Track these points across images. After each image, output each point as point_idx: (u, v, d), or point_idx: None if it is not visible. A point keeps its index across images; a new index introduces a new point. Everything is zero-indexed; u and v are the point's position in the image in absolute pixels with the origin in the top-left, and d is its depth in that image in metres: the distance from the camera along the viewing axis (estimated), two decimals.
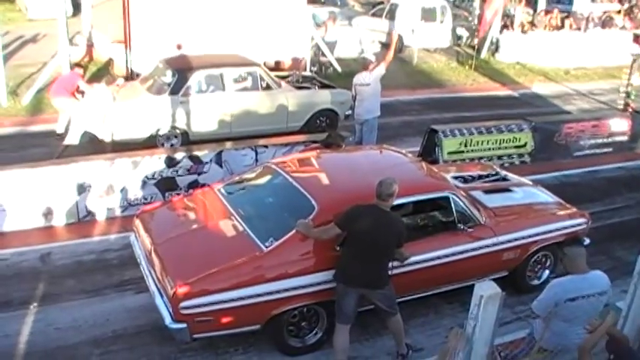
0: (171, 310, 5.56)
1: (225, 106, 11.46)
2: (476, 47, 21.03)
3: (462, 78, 19.05)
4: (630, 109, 15.19)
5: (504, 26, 22.22)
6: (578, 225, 7.54)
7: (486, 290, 4.48)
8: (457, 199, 6.72)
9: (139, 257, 6.57)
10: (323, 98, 12.58)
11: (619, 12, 25.78)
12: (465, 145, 11.17)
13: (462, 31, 23.10)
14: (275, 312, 5.83)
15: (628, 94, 15.60)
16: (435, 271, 6.51)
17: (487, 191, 7.78)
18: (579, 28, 23.09)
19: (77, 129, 9.90)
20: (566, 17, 23.66)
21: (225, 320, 5.72)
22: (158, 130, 11.10)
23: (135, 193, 8.89)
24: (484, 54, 21.29)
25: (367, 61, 10.99)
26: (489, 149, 11.54)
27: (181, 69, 11.45)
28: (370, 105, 10.56)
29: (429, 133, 11.19)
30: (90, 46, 16.72)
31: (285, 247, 5.88)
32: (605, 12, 25.55)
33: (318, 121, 12.41)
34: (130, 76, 14.04)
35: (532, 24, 22.62)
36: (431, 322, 6.91)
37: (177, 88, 11.16)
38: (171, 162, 9.04)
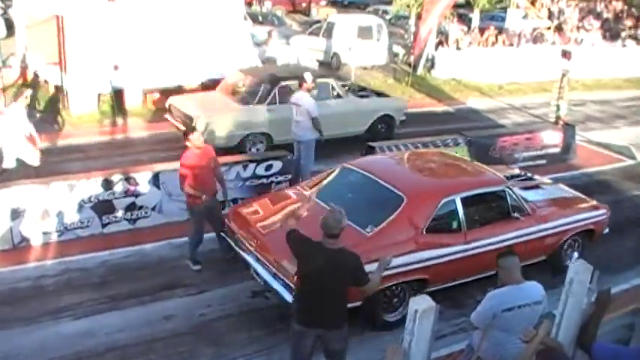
0: (293, 288, 6.28)
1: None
2: (412, 64, 21.70)
3: (399, 95, 19.61)
4: (562, 122, 15.99)
5: (439, 43, 23.01)
6: (601, 215, 9.22)
7: (421, 304, 4.59)
8: (511, 193, 8.27)
9: (238, 250, 7.61)
10: (383, 105, 14.75)
11: (549, 28, 26.94)
12: None
13: (398, 49, 23.84)
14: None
15: (558, 108, 16.41)
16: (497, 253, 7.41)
17: (523, 188, 9.12)
18: (512, 44, 24.09)
19: (9, 152, 9.81)
20: (499, 34, 24.67)
21: None
22: (247, 135, 12.66)
23: (71, 217, 8.93)
24: (420, 71, 22.02)
25: (303, 80, 11.11)
26: None
27: (267, 81, 13.10)
28: (306, 124, 10.74)
29: (367, 150, 11.51)
30: (24, 67, 16.56)
31: (384, 232, 7.20)
32: (535, 28, 26.66)
33: (379, 126, 14.43)
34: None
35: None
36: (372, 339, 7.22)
37: (264, 97, 12.84)
38: (107, 185, 9.10)
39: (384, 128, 14.51)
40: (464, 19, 28.68)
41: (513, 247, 7.37)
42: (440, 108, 18.89)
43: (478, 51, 23.07)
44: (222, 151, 11.02)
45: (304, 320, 5.49)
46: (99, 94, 15.37)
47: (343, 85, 14.89)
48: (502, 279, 5.19)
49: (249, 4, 29.67)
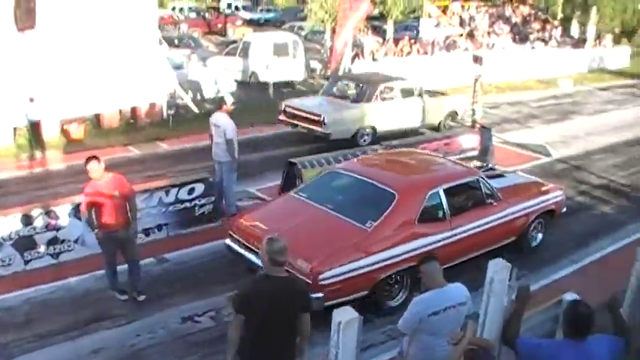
0: (311, 282, 7.29)
1: (397, 109, 16.56)
2: (329, 78, 22.16)
3: None
4: (478, 125, 16.74)
5: (355, 56, 23.66)
6: (560, 195, 10.68)
7: (344, 316, 4.75)
8: (484, 182, 9.51)
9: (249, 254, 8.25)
10: (450, 102, 18.32)
11: (461, 35, 28.10)
12: None
13: (315, 64, 24.33)
14: (380, 277, 7.91)
15: (474, 112, 17.18)
16: (478, 237, 9.05)
17: (490, 177, 10.13)
18: (426, 53, 25.00)
19: None
20: (414, 43, 25.57)
21: (348, 288, 7.64)
22: (359, 128, 15.70)
23: None
24: None
25: (222, 102, 11.29)
26: None
27: (370, 83, 16.64)
28: (225, 145, 10.85)
29: (288, 167, 11.82)
30: None
31: (383, 225, 8.13)
32: (448, 36, 27.75)
33: (447, 119, 17.96)
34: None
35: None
36: None
37: (369, 97, 16.20)
38: (27, 220, 9.09)
39: (451, 121, 18.15)
40: (379, 31, 29.58)
41: (489, 231, 9.19)
42: None
43: (394, 61, 23.82)
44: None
45: None
46: (14, 128, 15.19)
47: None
48: (426, 284, 5.29)
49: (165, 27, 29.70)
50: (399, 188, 8.59)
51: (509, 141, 17.43)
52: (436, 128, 17.68)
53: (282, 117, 16.65)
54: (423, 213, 8.50)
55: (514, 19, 34.37)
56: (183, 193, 10.56)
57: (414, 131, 17.16)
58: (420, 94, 17.18)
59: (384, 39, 26.66)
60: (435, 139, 15.06)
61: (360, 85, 16.94)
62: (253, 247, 8.12)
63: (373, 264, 7.84)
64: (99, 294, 8.61)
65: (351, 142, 15.39)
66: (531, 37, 32.28)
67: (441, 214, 8.75)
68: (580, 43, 34.51)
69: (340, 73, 22.61)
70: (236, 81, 21.55)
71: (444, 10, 30.80)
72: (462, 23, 30.65)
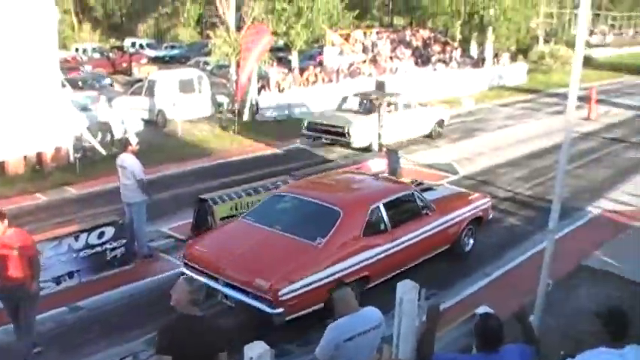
0: (271, 299, 7.99)
1: (400, 120, 19.68)
2: (236, 112, 22.51)
3: (228, 143, 20.33)
4: (385, 148, 17.35)
5: (262, 87, 24.07)
6: (486, 203, 11.91)
7: (255, 350, 4.84)
8: (418, 195, 10.60)
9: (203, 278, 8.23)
10: (437, 112, 21.95)
11: (364, 61, 28.94)
12: (236, 209, 12.04)
13: (221, 98, 24.57)
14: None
15: (380, 136, 17.79)
16: (417, 246, 10.01)
17: (422, 190, 11.32)
18: (331, 81, 25.68)
19: None
20: (320, 72, 26.22)
21: (305, 302, 8.26)
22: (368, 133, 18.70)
23: None
24: (246, 117, 22.93)
25: (127, 142, 11.30)
26: None
27: (377, 98, 19.29)
28: (134, 186, 10.89)
29: (199, 203, 11.95)
30: None
31: (332, 241, 8.86)
32: (352, 63, 28.54)
33: (435, 127, 21.43)
34: None
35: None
36: None
37: (374, 109, 19.04)
38: None
39: (440, 128, 21.67)
40: (284, 62, 30.13)
41: (427, 239, 10.19)
42: (269, 151, 19.75)
43: (300, 91, 24.38)
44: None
45: None
46: None
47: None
48: (339, 310, 5.32)
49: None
50: (342, 205, 9.44)
51: (416, 162, 18.14)
52: (429, 135, 21.29)
53: (304, 131, 20.10)
54: (367, 227, 9.33)
55: (415, 43, 35.67)
56: (93, 238, 10.47)
57: (325, 160, 17.70)
58: (417, 106, 20.87)
59: (290, 69, 27.19)
60: (345, 165, 15.50)
61: (370, 100, 19.98)
62: (211, 273, 8.69)
63: (326, 277, 8.47)
64: (9, 348, 8.41)
65: (365, 149, 18.90)
66: (433, 59, 33.60)
67: (382, 226, 9.63)
68: (479, 62, 36.23)
69: (247, 106, 23.03)
70: (143, 120, 21.51)
71: (347, 38, 31.64)
72: (364, 50, 31.54)
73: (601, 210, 14.27)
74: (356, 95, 20.91)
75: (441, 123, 21.77)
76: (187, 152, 19.18)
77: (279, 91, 24.06)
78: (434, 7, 35.95)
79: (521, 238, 12.38)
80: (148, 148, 18.68)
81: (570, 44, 40.04)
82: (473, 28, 38.09)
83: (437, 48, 35.95)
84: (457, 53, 35.76)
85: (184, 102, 22.08)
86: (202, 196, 12.04)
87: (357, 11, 34.05)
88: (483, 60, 36.70)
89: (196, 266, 9.03)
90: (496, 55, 37.83)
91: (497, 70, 36.14)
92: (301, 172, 14.22)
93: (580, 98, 24.87)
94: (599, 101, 28.21)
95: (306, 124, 20.10)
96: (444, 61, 33.91)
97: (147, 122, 22.02)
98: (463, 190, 13.02)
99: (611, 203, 14.78)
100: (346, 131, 18.87)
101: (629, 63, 52.70)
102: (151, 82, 23.76)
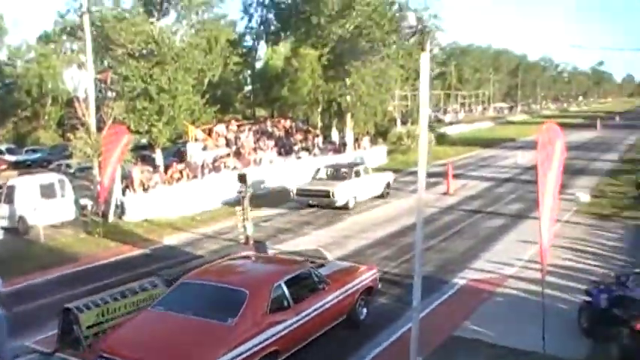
0: None
1: (365, 183, 24.89)
2: (101, 214, 22.42)
3: (94, 247, 20.17)
4: (252, 241, 17.91)
5: (126, 187, 24.14)
6: (375, 274, 13.22)
7: None
8: (314, 271, 11.73)
9: None
10: (386, 176, 28.27)
11: (228, 155, 29.71)
12: (103, 315, 11.86)
13: (85, 201, 24.36)
14: None
15: (245, 228, 18.36)
16: (319, 318, 10.99)
17: (315, 267, 12.29)
18: (196, 176, 26.18)
19: None
20: (184, 168, 26.64)
21: None
22: (354, 197, 24.60)
23: None
24: (111, 218, 22.87)
25: None
26: (129, 312, 12.49)
27: (349, 167, 26.50)
28: None
29: (63, 313, 11.79)
30: None
31: (242, 320, 9.60)
32: (216, 157, 29.20)
33: (385, 189, 27.41)
34: None
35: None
36: None
37: (350, 176, 25.25)
38: None
39: (388, 189, 27.72)
40: (148, 160, 30.32)
41: (326, 311, 11.17)
42: (137, 252, 19.74)
43: (165, 189, 24.67)
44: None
45: None
46: None
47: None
48: None
49: None
50: (248, 286, 10.31)
51: (285, 250, 18.65)
52: (381, 196, 26.95)
53: (294, 198, 25.48)
54: (272, 304, 10.19)
55: (277, 133, 37.03)
56: None
57: (194, 256, 18.02)
58: (373, 172, 27.51)
59: (154, 167, 27.45)
60: (212, 260, 15.76)
61: (345, 170, 26.16)
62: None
63: (239, 355, 9.20)
64: None
65: (344, 206, 24.70)
66: (296, 147, 34.98)
67: (286, 303, 10.54)
68: (341, 147, 38.03)
69: (112, 207, 22.99)
70: (3, 228, 20.98)
71: (210, 132, 32.45)
72: (228, 143, 32.38)
73: (466, 280, 15.47)
74: (327, 167, 27.33)
75: (388, 185, 27.91)
76: (51, 259, 18.77)
77: (144, 190, 24.21)
78: (293, 97, 37.66)
79: (393, 316, 13.02)
80: (9, 257, 18.35)
81: None
82: (332, 115, 40.20)
83: (299, 136, 37.50)
84: (319, 140, 37.49)
85: (46, 207, 21.72)
86: (67, 305, 11.83)
87: (218, 106, 35.09)
88: (345, 145, 38.58)
89: (112, 357, 9.31)
90: (357, 139, 39.96)
91: (359, 153, 38.06)
92: (168, 271, 14.34)
93: (438, 174, 27.22)
94: (456, 176, 30.50)
95: (295, 192, 25.48)
96: (307, 149, 35.39)
97: (7, 230, 21.49)
98: (352, 264, 14.22)
99: (476, 273, 16.05)
100: (331, 193, 24.43)
101: (480, 137, 56.70)
102: (9, 188, 23.23)
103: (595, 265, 15.96)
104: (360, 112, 39.64)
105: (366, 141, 40.69)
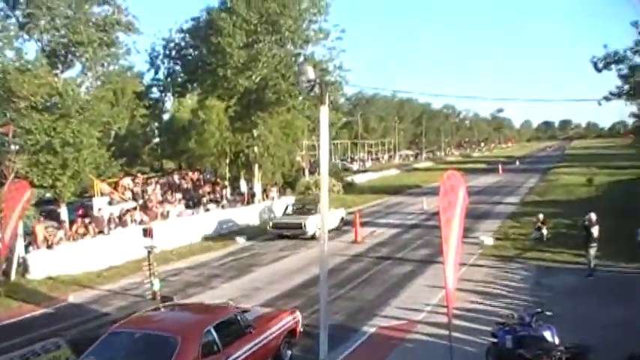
0: None
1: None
2: (1, 272, 21.75)
3: None
4: (159, 296, 17.93)
5: (29, 244, 23.60)
6: (297, 317, 14.05)
7: None
8: (240, 316, 12.30)
9: None
10: (339, 212, 32.89)
11: (135, 208, 29.51)
12: None
13: None
14: None
15: (152, 283, 18.37)
16: None
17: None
18: (102, 231, 25.88)
19: None
20: (90, 223, 26.26)
21: None
22: (317, 228, 26.40)
23: None
24: (13, 277, 22.24)
25: None
26: None
27: (312, 204, 31.07)
28: None
29: None
30: None
31: None
32: (123, 211, 28.94)
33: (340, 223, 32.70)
34: None
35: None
36: None
37: (316, 211, 27.92)
38: None
39: (342, 223, 32.90)
40: (53, 215, 29.67)
41: (253, 354, 11.76)
42: (40, 311, 19.25)
43: (70, 244, 24.28)
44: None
45: None
46: None
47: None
48: None
49: None
50: (179, 332, 10.72)
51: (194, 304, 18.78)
52: (336, 229, 31.68)
53: (270, 230, 30.97)
54: (202, 349, 10.62)
55: (185, 185, 37.06)
56: None
57: (102, 314, 17.85)
58: (332, 209, 29.52)
59: (60, 222, 26.94)
60: (121, 318, 15.73)
61: (310, 206, 32.15)
62: None
63: None
64: None
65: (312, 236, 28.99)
66: (204, 199, 35.10)
67: (215, 347, 11.00)
68: (250, 198, 38.35)
69: (14, 265, 22.39)
70: None
71: (116, 186, 32.18)
72: (135, 196, 32.18)
73: (376, 328, 15.97)
74: (294, 204, 34.52)
75: (342, 219, 33.31)
76: None
77: (48, 246, 23.74)
78: (201, 149, 37.77)
79: None
80: None
81: (332, 173, 43.88)
82: (240, 166, 40.50)
83: (207, 188, 37.66)
84: (227, 191, 37.72)
85: None
86: None
87: (124, 159, 34.85)
88: (253, 195, 38.95)
89: None
90: (265, 190, 40.39)
91: (267, 204, 38.52)
92: (72, 331, 14.25)
93: (347, 223, 27.88)
94: (364, 223, 31.36)
95: (272, 225, 31.14)
96: (216, 201, 35.57)
97: None
98: (275, 309, 15.13)
99: (385, 320, 16.62)
100: (303, 225, 29.80)
101: (387, 185, 58.21)
102: None
103: (500, 307, 16.77)
104: (268, 163, 40.18)
105: (274, 191, 41.23)
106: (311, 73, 12.74)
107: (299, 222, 30.01)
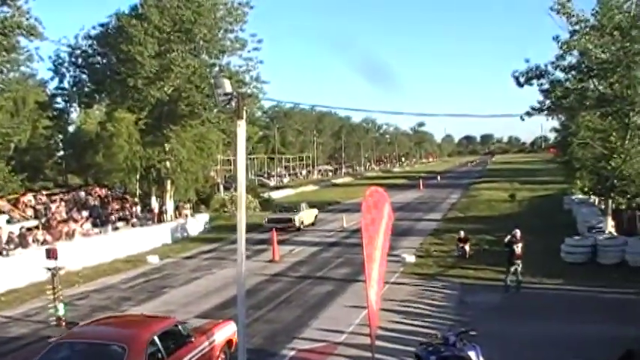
0: None
1: (307, 214, 42.14)
2: None
3: None
4: (64, 322, 17.51)
5: None
6: (233, 327, 14.39)
7: None
8: (183, 325, 13.02)
9: None
10: (315, 211, 45.09)
11: (37, 227, 28.69)
12: None
13: None
14: None
15: (56, 309, 17.89)
16: None
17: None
18: (1, 253, 25.02)
19: None
20: None
21: None
22: (301, 222, 41.03)
23: None
24: None
25: None
26: None
27: (296, 205, 43.99)
28: None
29: None
30: None
31: None
32: (24, 231, 28.04)
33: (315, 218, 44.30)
34: None
35: None
36: None
37: (299, 210, 42.04)
38: None
39: (315, 219, 43.83)
40: None
41: None
42: None
43: None
44: None
45: None
46: None
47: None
48: None
49: None
50: (126, 342, 11.07)
51: None
52: (312, 223, 42.52)
53: (266, 224, 39.11)
54: (149, 358, 11.07)
55: (92, 202, 36.24)
56: None
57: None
58: (308, 208, 43.24)
59: None
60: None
61: (294, 206, 42.80)
62: None
63: None
64: None
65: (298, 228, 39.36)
66: (112, 217, 34.43)
67: (160, 356, 11.45)
68: (162, 216, 37.91)
69: None
70: None
71: (15, 203, 31.22)
72: (37, 214, 31.29)
73: (295, 351, 15.96)
74: (277, 206, 46.48)
75: (316, 216, 44.35)
76: None
77: None
78: (109, 164, 37.09)
79: None
80: None
81: (249, 189, 43.88)
82: (151, 182, 39.97)
83: (116, 205, 36.96)
84: (138, 209, 37.17)
85: None
86: None
87: (26, 173, 33.87)
88: (165, 213, 38.52)
89: None
90: (177, 207, 40.00)
91: (180, 222, 38.19)
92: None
93: (263, 241, 27.94)
94: (282, 241, 31.68)
95: (267, 220, 40.02)
96: (125, 219, 34.97)
97: None
98: (211, 320, 15.67)
99: (305, 342, 16.63)
100: (292, 220, 39.73)
101: (305, 201, 58.22)
102: None
103: (423, 326, 17.11)
104: (181, 178, 39.79)
105: (187, 208, 40.93)
106: (228, 86, 12.78)
107: (289, 217, 40.00)
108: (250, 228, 31.26)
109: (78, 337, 11.94)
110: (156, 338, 11.62)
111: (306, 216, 41.80)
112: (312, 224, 42.23)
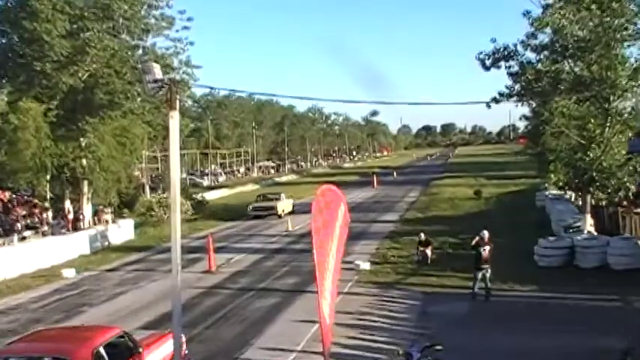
0: None
1: (285, 203, 52.54)
2: None
3: None
4: None
5: None
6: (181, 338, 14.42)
7: None
8: (129, 336, 13.41)
9: None
10: (291, 201, 54.72)
11: None
12: None
13: None
14: None
15: None
16: None
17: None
18: None
19: None
20: None
21: None
22: (283, 210, 51.63)
23: None
24: None
25: None
26: None
27: (277, 194, 55.07)
28: None
29: None
30: None
31: None
32: None
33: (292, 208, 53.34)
34: None
35: None
36: None
37: (279, 199, 52.88)
38: None
39: (293, 209, 52.70)
40: None
41: None
42: None
43: None
44: None
45: None
46: None
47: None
48: None
49: None
50: (70, 353, 11.48)
51: None
52: (291, 212, 50.47)
53: (250, 212, 50.40)
54: None
55: None
56: None
57: None
58: (286, 198, 53.50)
59: None
60: None
61: (276, 195, 53.82)
62: None
63: None
64: None
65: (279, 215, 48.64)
66: (18, 225, 33.52)
67: None
68: (78, 222, 37.08)
69: None
70: None
71: None
72: None
73: None
74: (259, 196, 55.01)
75: (293, 205, 52.72)
76: None
77: None
78: (13, 162, 35.99)
79: None
80: None
81: (180, 190, 43.21)
82: (65, 183, 39.08)
83: (22, 211, 35.99)
84: (49, 215, 36.29)
85: None
86: None
87: None
88: (82, 219, 37.70)
89: None
90: (96, 212, 39.23)
91: (100, 229, 37.46)
92: None
93: (198, 249, 27.60)
94: (218, 249, 31.17)
95: (251, 208, 50.27)
96: (34, 227, 34.11)
97: None
98: (156, 331, 15.86)
99: None
100: (275, 207, 49.43)
101: (244, 202, 58.10)
102: None
103: (383, 341, 16.91)
104: (100, 179, 38.92)
105: (108, 213, 40.21)
106: (158, 71, 12.32)
107: (272, 205, 50.12)
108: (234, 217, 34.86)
109: (15, 352, 12.19)
110: (101, 349, 11.93)
111: (285, 205, 51.12)
112: (292, 212, 50.13)
